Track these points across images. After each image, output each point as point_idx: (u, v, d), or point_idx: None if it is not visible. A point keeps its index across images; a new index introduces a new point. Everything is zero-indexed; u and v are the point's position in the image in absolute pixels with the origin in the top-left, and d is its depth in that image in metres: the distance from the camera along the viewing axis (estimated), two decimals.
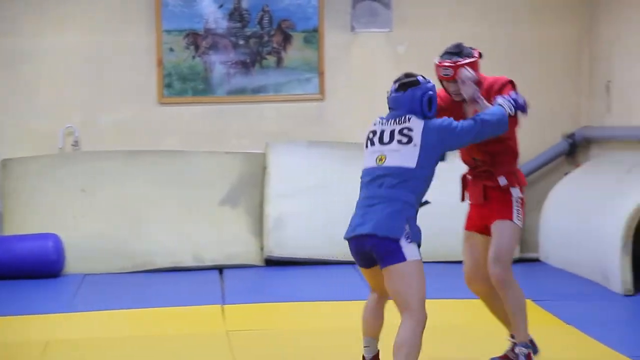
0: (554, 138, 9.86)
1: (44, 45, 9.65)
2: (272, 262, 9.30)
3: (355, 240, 5.20)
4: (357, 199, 5.27)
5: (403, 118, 5.23)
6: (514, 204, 5.59)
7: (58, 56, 9.68)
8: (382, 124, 5.31)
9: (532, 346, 5.71)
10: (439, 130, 5.20)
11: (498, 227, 5.55)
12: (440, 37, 9.85)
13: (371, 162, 5.25)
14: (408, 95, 5.25)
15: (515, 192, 5.61)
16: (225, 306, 7.62)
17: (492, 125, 5.31)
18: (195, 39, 9.75)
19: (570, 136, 9.84)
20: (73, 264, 9.14)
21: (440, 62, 5.55)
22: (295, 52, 9.83)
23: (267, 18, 9.81)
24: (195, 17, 9.74)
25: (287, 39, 9.81)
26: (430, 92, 5.28)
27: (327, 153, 9.62)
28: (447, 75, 5.52)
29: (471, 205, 5.77)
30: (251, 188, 9.56)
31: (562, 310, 7.27)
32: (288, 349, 6.38)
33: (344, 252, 9.02)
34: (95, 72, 9.73)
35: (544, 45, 9.94)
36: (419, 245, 5.15)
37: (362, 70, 9.93)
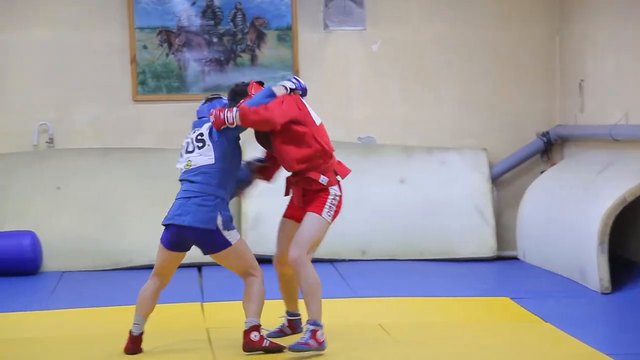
0: (529, 137, 9.94)
1: (14, 41, 9.59)
2: None
3: (174, 228, 6.09)
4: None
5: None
6: (329, 201, 6.16)
7: (29, 53, 9.63)
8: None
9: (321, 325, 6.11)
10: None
11: (307, 218, 6.17)
12: (412, 36, 9.98)
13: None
14: (207, 106, 6.35)
15: (333, 190, 6.17)
16: (205, 304, 7.63)
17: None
18: (169, 37, 9.73)
19: (545, 135, 9.90)
20: (50, 261, 9.10)
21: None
22: (269, 50, 9.83)
23: (240, 16, 9.80)
24: (167, 15, 9.71)
25: (260, 36, 9.81)
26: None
27: None
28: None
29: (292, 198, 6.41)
30: None
31: (540, 308, 7.33)
32: None
33: (321, 249, 9.18)
34: (68, 69, 9.69)
35: (516, 44, 10.01)
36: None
37: (336, 68, 9.95)
